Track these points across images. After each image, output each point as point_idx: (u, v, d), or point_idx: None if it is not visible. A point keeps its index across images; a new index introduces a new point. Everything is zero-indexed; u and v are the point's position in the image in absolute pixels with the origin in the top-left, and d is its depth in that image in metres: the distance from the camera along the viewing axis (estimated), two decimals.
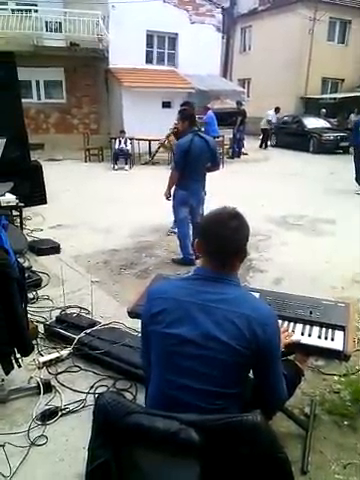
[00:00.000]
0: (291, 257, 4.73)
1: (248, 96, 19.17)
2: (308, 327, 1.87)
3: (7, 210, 4.48)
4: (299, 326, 1.88)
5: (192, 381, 1.34)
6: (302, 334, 1.84)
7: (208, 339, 1.33)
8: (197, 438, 1.13)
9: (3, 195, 4.25)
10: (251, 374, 1.46)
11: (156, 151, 5.07)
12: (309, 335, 1.83)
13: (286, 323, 1.90)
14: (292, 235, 5.58)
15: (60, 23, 12.61)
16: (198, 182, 4.36)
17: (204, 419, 1.18)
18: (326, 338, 1.81)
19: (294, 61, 18.37)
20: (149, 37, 14.16)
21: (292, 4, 18.57)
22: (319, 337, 1.82)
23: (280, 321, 1.85)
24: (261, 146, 15.32)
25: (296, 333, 1.84)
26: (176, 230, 4.83)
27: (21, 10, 12.20)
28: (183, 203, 4.37)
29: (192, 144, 4.11)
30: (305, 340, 1.80)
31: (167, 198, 4.43)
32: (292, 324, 1.89)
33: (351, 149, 9.36)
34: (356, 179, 8.18)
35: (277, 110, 15.22)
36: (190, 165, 4.16)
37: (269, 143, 15.61)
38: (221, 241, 1.41)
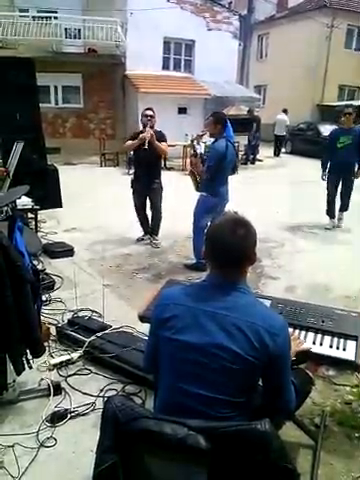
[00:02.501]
0: (304, 265, 4.69)
1: (264, 103, 19.14)
2: (320, 336, 1.85)
3: (23, 213, 4.55)
4: (310, 335, 1.86)
5: (200, 388, 1.34)
6: (314, 343, 1.82)
7: (217, 347, 1.32)
8: (205, 444, 1.12)
9: (19, 198, 4.31)
10: (260, 382, 1.45)
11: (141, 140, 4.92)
12: (321, 344, 1.81)
13: (297, 331, 1.88)
14: (306, 243, 5.54)
15: (79, 30, 12.81)
16: (226, 186, 4.35)
17: (212, 426, 1.17)
18: (338, 348, 1.79)
19: (311, 68, 18.29)
20: (166, 44, 14.28)
21: (310, 11, 18.55)
22: (331, 346, 1.80)
23: (291, 329, 1.84)
24: (275, 153, 15.17)
25: (307, 342, 1.82)
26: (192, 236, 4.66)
27: (42, 17, 12.44)
28: (209, 212, 4.22)
29: (228, 149, 4.11)
30: (316, 349, 1.78)
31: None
32: (303, 333, 1.88)
33: (323, 173, 6.18)
34: (328, 211, 6.25)
35: (286, 112, 14.95)
36: (223, 170, 4.17)
37: (283, 150, 15.48)
38: (228, 249, 1.40)
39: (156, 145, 4.84)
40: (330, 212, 6.24)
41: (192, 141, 4.74)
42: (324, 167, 6.16)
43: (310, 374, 1.85)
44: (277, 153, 15.16)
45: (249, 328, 1.32)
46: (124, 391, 2.49)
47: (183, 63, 15.00)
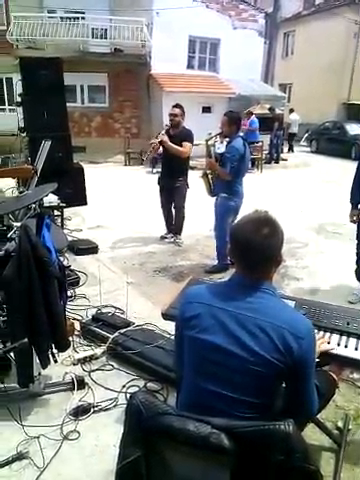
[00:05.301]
0: (329, 266, 4.62)
1: (289, 101, 18.89)
2: (344, 338, 1.82)
3: (49, 210, 4.64)
4: (335, 337, 1.84)
5: (223, 389, 1.34)
6: (338, 345, 1.79)
7: (241, 349, 1.31)
8: (228, 443, 1.12)
9: (46, 195, 4.40)
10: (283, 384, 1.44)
11: (149, 152, 5.02)
12: (346, 346, 1.78)
13: (321, 333, 1.86)
14: (330, 243, 5.44)
15: (106, 30, 12.93)
16: (242, 186, 4.32)
17: (236, 425, 1.17)
18: None
19: (337, 66, 17.92)
20: (191, 43, 14.26)
21: (338, 8, 18.13)
22: (356, 349, 1.76)
23: (316, 331, 1.82)
24: (289, 150, 15.30)
25: (332, 344, 1.79)
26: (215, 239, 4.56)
27: (69, 18, 12.64)
28: (231, 212, 4.23)
29: (246, 148, 4.14)
30: (341, 351, 1.76)
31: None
32: (328, 334, 1.85)
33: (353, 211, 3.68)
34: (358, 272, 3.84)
35: (293, 111, 15.24)
36: (242, 170, 4.17)
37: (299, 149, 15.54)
38: (253, 248, 1.37)
39: (169, 147, 4.84)
40: None
41: (207, 141, 4.66)
42: (354, 201, 3.71)
43: (334, 377, 1.82)
44: (291, 150, 15.39)
45: (274, 331, 1.30)
46: (146, 388, 2.51)
47: (208, 62, 14.95)
